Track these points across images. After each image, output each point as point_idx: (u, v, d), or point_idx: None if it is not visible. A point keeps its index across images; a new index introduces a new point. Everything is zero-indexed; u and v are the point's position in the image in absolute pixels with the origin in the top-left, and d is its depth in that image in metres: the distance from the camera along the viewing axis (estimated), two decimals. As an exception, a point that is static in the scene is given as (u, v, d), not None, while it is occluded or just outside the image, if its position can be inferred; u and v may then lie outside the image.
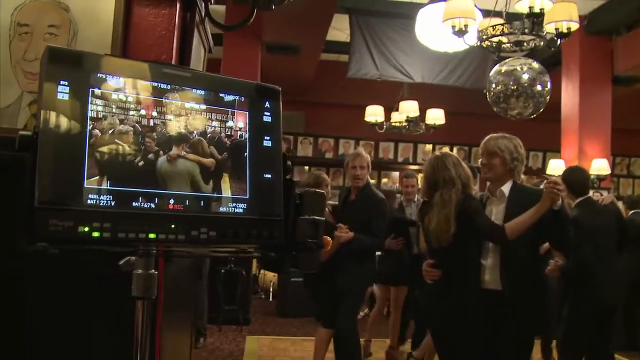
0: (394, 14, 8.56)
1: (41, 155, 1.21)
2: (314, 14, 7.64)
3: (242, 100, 1.48)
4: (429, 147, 11.66)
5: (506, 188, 3.41)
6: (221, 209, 1.40)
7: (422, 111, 9.35)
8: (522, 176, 3.60)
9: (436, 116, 9.38)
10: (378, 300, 6.36)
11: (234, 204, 1.42)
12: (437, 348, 3.77)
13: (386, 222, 4.68)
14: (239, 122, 1.47)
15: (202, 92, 1.43)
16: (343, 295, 4.46)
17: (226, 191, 1.42)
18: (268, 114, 1.51)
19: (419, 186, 5.85)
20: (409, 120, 9.25)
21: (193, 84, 1.43)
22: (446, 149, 11.41)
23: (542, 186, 3.20)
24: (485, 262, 3.39)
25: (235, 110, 1.47)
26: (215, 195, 1.40)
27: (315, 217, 1.51)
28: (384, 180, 11.78)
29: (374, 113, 9.44)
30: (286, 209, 1.48)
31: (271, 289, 9.31)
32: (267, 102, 1.51)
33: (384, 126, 9.53)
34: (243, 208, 1.43)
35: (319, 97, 11.30)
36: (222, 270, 6.89)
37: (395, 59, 8.76)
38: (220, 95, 1.46)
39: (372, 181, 11.46)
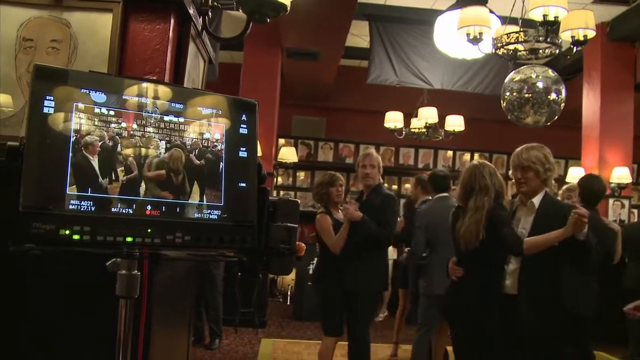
0: (413, 20, 8.61)
1: (26, 164, 1.32)
2: (333, 21, 7.73)
3: (219, 113, 1.58)
4: (449, 153, 11.66)
5: (537, 199, 3.46)
6: (196, 215, 1.50)
7: (442, 117, 9.38)
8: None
9: (455, 122, 9.40)
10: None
11: (208, 211, 1.52)
12: (456, 346, 3.88)
13: (395, 217, 4.73)
14: (216, 133, 1.57)
15: (181, 106, 1.53)
16: (355, 298, 4.48)
17: (202, 198, 1.52)
18: (244, 126, 1.60)
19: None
20: (428, 126, 9.28)
21: (172, 99, 1.53)
22: (467, 156, 11.42)
23: (570, 215, 3.21)
24: (507, 267, 3.48)
25: (212, 123, 1.57)
26: (191, 202, 1.50)
27: (288, 224, 1.60)
28: (406, 185, 11.79)
29: (393, 119, 9.51)
30: (260, 215, 1.57)
31: (289, 293, 9.40)
32: (243, 115, 1.61)
33: (403, 132, 9.58)
34: (217, 214, 1.52)
35: (339, 103, 11.39)
36: (239, 273, 7.01)
37: (414, 66, 8.81)
38: (198, 108, 1.56)
39: (394, 187, 11.57)
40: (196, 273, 3.41)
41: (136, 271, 1.53)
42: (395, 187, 11.66)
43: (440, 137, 9.57)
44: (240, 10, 2.42)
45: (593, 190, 4.94)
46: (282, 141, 11.04)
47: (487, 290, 3.51)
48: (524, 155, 3.46)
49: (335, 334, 4.60)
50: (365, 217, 4.37)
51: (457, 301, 3.70)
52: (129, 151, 1.45)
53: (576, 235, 3.14)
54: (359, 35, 9.14)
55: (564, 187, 5.70)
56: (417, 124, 9.47)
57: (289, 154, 10.10)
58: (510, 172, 3.72)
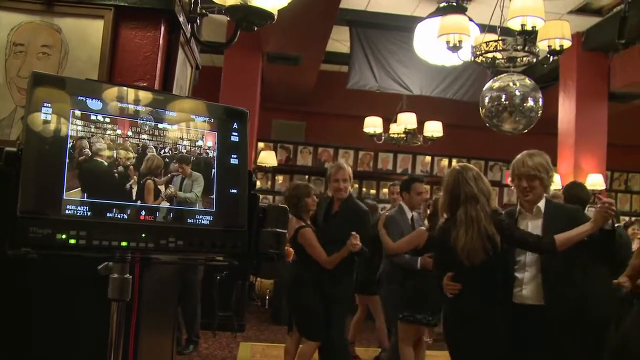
0: (394, 27, 8.71)
1: (24, 169, 1.35)
2: (314, 26, 7.78)
3: (212, 121, 1.63)
4: (428, 158, 11.78)
5: (542, 204, 3.42)
6: (189, 221, 1.54)
7: (421, 123, 9.49)
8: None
9: (434, 128, 9.51)
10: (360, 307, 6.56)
11: (201, 216, 1.56)
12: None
13: (369, 232, 4.79)
14: (208, 141, 1.61)
15: (174, 114, 1.57)
16: (333, 303, 4.56)
17: (194, 204, 1.56)
18: (235, 134, 1.64)
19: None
20: (406, 132, 9.39)
21: (166, 106, 1.57)
22: (444, 162, 11.54)
23: (595, 208, 3.19)
24: (521, 275, 3.37)
25: (205, 131, 1.61)
26: (184, 207, 1.54)
27: (277, 230, 1.65)
28: (384, 190, 11.86)
29: (372, 124, 9.59)
30: (250, 221, 1.62)
31: (267, 297, 9.41)
32: (235, 124, 1.65)
33: (382, 137, 9.68)
34: (209, 220, 1.57)
35: (319, 107, 11.45)
36: (218, 277, 7.02)
37: (394, 71, 8.91)
38: (191, 116, 1.60)
39: (372, 192, 11.65)
40: (179, 278, 3.43)
41: (128, 275, 1.57)
42: (373, 191, 11.74)
43: (419, 143, 9.68)
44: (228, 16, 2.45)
45: (578, 196, 5.03)
46: (261, 145, 11.06)
47: (491, 303, 3.32)
48: (530, 163, 3.37)
49: (320, 339, 4.62)
50: (363, 247, 4.43)
51: (457, 317, 3.45)
52: (124, 157, 1.49)
53: (604, 226, 3.09)
54: (339, 40, 9.21)
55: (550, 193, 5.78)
56: (396, 129, 9.57)
57: (268, 157, 10.13)
58: (509, 180, 3.63)
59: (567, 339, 3.28)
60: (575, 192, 5.05)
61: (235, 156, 1.63)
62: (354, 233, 4.36)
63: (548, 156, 3.51)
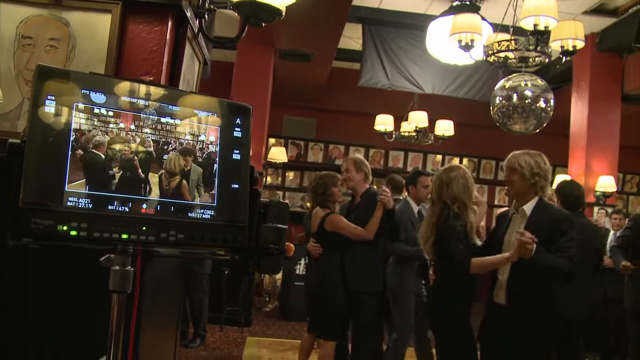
0: (406, 25, 8.69)
1: (27, 161, 1.37)
2: (326, 23, 7.78)
3: (215, 116, 1.64)
4: (439, 157, 11.74)
5: (529, 207, 3.42)
6: (190, 214, 1.56)
7: (432, 122, 9.47)
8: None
9: (445, 127, 9.49)
10: None
11: (202, 210, 1.57)
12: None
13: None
14: (211, 136, 1.62)
15: (177, 108, 1.58)
16: (358, 300, 4.51)
17: (196, 198, 1.57)
18: (238, 129, 1.65)
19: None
20: (417, 130, 9.37)
21: (169, 101, 1.58)
22: (455, 161, 11.49)
23: (514, 237, 3.25)
24: (501, 277, 3.43)
25: (208, 126, 1.62)
26: (185, 201, 1.55)
27: (278, 225, 1.66)
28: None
29: (383, 122, 9.58)
30: (251, 216, 1.63)
31: (273, 294, 9.44)
32: (238, 119, 1.66)
33: (393, 135, 9.66)
34: (210, 214, 1.58)
35: (330, 104, 11.43)
36: (226, 272, 7.06)
37: (406, 70, 8.88)
38: (194, 111, 1.61)
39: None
40: (184, 272, 3.45)
41: (129, 267, 1.58)
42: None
43: (430, 142, 9.66)
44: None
45: (574, 195, 5.03)
46: (272, 141, 11.08)
47: (455, 294, 3.51)
48: (512, 159, 3.46)
49: (338, 338, 4.61)
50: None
51: (431, 304, 3.83)
52: (125, 151, 1.50)
53: (525, 259, 3.14)
54: (351, 37, 9.20)
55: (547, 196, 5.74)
56: (407, 127, 9.55)
57: (278, 153, 10.14)
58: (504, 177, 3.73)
59: (524, 339, 3.32)
60: (568, 191, 5.05)
61: (237, 151, 1.64)
62: (383, 187, 4.56)
63: (545, 158, 3.49)
